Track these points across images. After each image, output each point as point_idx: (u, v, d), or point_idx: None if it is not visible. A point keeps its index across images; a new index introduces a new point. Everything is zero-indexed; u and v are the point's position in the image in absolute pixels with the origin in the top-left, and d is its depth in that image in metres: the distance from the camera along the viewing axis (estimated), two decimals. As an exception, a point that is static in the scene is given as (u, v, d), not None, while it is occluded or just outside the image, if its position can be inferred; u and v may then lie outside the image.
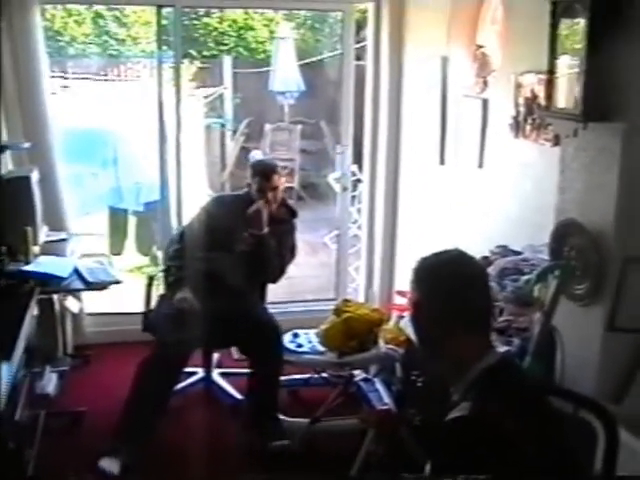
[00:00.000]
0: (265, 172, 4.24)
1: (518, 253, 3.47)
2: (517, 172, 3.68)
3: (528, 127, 3.55)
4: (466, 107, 4.18)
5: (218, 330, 3.86)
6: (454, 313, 1.92)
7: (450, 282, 1.94)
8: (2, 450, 2.73)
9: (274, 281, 4.35)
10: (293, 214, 4.45)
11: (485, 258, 3.61)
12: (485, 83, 3.99)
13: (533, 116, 3.50)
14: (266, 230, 4.12)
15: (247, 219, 4.14)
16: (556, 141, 3.22)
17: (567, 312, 2.80)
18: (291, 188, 8.78)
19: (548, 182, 3.16)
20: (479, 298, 1.96)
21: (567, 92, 2.75)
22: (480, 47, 4.00)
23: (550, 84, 2.85)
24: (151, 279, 4.45)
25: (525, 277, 3.14)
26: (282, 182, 4.34)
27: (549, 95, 2.87)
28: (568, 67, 2.77)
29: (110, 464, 3.59)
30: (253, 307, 4.21)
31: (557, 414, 1.99)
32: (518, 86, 3.60)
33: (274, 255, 4.17)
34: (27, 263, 3.76)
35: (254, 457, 3.78)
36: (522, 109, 3.59)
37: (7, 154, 4.30)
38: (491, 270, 3.43)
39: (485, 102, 3.97)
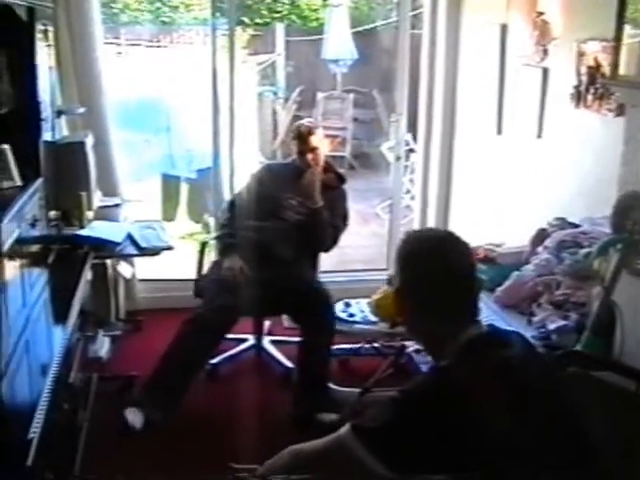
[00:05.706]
0: (302, 133, 4.22)
1: (576, 226, 3.40)
2: (577, 143, 3.60)
3: (590, 97, 3.46)
4: (525, 76, 4.09)
5: (269, 298, 3.85)
6: (434, 301, 1.87)
7: (434, 270, 1.87)
8: (57, 411, 2.76)
9: (327, 250, 4.33)
10: (341, 180, 4.41)
11: (543, 230, 3.55)
12: (545, 51, 3.89)
13: (595, 85, 3.40)
14: (321, 203, 4.10)
15: (301, 191, 4.13)
16: (619, 111, 3.14)
17: (628, 287, 2.73)
18: (342, 157, 8.75)
19: (609, 153, 3.08)
20: (462, 285, 1.89)
21: (635, 60, 2.67)
22: (541, 14, 3.90)
23: (617, 51, 2.77)
24: (203, 246, 4.49)
25: (584, 250, 3.08)
26: (324, 144, 4.29)
27: (615, 63, 2.79)
28: (636, 34, 2.68)
29: (134, 417, 3.61)
30: (305, 276, 4.19)
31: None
32: (580, 54, 3.50)
33: (328, 226, 4.15)
34: (81, 228, 3.77)
35: (301, 426, 3.77)
36: (584, 78, 3.49)
37: (62, 119, 4.31)
38: (549, 242, 3.38)
39: (545, 71, 3.88)
